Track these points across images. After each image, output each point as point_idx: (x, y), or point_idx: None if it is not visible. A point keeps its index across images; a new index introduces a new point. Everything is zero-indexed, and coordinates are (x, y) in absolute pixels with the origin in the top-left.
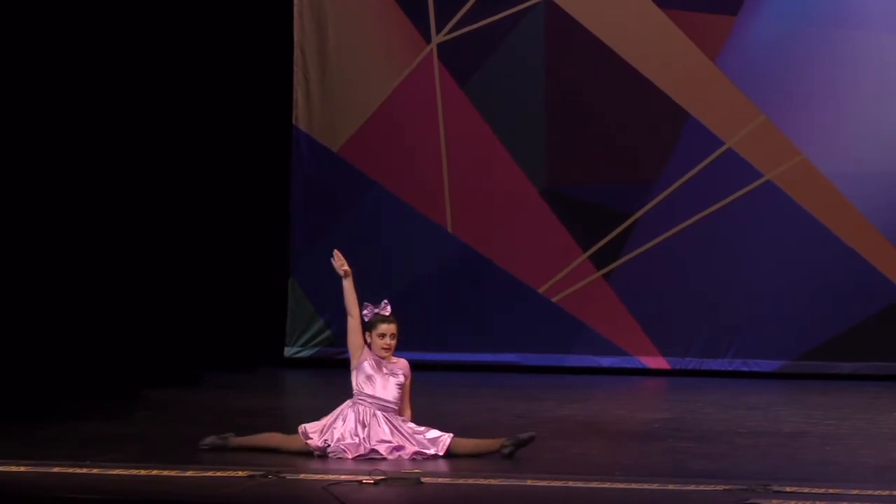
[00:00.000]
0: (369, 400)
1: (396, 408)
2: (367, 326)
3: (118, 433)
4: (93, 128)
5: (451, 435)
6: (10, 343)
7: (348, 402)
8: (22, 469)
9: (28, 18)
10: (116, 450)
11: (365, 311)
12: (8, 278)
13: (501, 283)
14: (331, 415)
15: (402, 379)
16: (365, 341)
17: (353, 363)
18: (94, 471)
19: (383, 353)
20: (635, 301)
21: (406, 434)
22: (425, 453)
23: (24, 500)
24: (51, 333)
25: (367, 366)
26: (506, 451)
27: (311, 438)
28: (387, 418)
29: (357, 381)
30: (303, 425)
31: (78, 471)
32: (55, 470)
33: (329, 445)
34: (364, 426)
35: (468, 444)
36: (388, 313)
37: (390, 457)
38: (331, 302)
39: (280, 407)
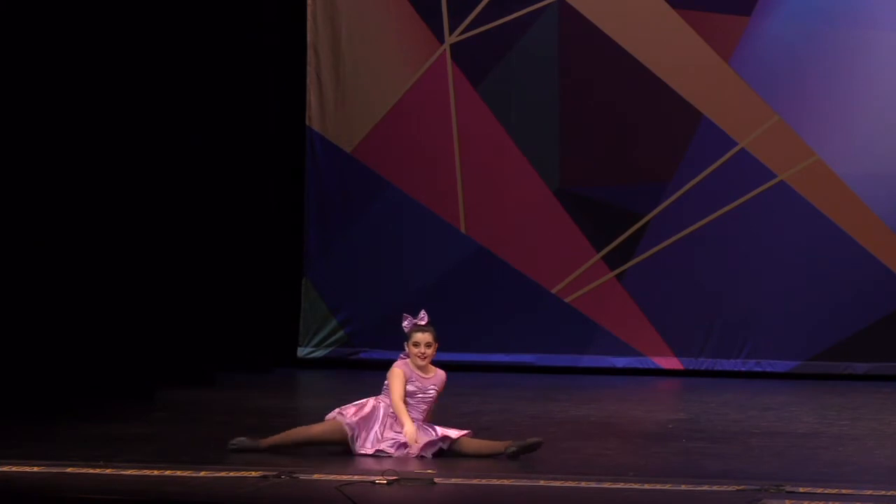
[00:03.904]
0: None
1: (421, 419)
2: (405, 337)
3: (132, 433)
4: (108, 130)
5: (463, 431)
6: (26, 343)
7: (375, 399)
8: (36, 469)
9: (45, 22)
10: (130, 450)
11: (405, 323)
12: (24, 279)
13: (514, 283)
14: (361, 401)
15: (432, 395)
16: (405, 351)
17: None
18: (108, 471)
19: (419, 362)
20: (649, 301)
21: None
22: (431, 444)
23: (39, 500)
24: (65, 334)
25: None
26: (510, 451)
27: (343, 416)
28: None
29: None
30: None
31: (92, 471)
32: (69, 470)
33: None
34: (382, 427)
35: (474, 443)
36: (424, 323)
37: (396, 453)
38: (344, 302)
39: (294, 407)
